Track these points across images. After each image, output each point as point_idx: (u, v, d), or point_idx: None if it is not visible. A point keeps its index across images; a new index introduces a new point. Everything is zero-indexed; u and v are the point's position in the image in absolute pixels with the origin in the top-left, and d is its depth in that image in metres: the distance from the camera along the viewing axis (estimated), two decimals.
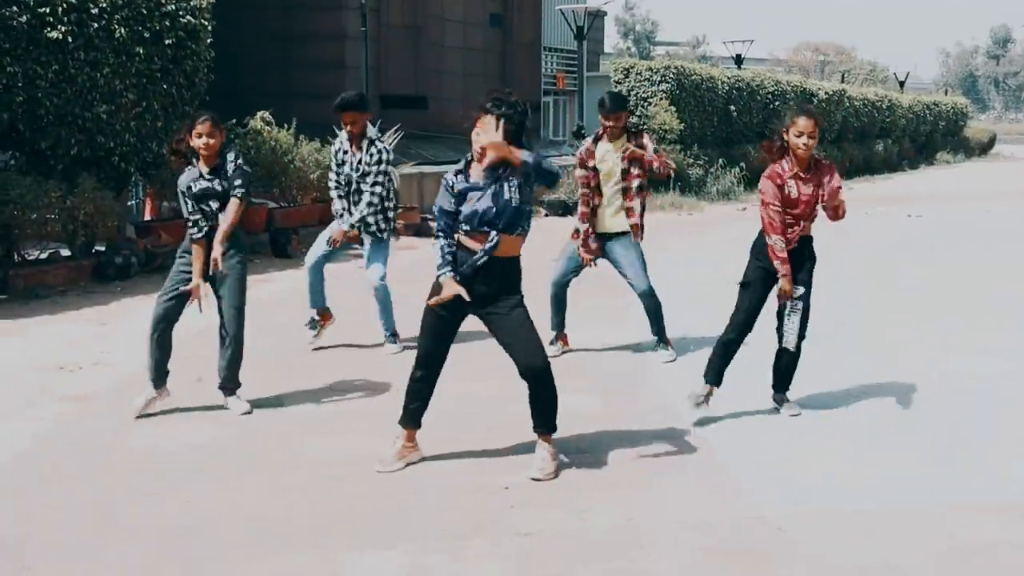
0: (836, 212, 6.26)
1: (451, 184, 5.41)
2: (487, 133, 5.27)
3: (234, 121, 13.53)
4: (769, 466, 5.66)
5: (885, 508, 5.06)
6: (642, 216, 7.90)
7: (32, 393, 6.99)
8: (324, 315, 8.43)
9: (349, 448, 5.89)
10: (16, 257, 10.67)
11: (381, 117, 19.23)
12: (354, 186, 8.10)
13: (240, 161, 6.53)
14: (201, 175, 6.42)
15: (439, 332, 5.53)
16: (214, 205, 6.41)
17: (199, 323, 7.04)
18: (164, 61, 11.95)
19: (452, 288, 5.29)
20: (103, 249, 11.43)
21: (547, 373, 5.43)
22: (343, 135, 8.22)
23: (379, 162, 8.02)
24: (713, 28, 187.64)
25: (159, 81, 11.93)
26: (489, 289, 5.39)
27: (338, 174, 8.25)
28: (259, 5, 23.38)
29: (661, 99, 22.64)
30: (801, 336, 6.38)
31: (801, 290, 6.29)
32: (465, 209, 5.34)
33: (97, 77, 11.14)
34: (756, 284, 6.38)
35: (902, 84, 47.22)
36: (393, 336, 8.29)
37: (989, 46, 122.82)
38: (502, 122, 5.27)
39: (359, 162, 8.04)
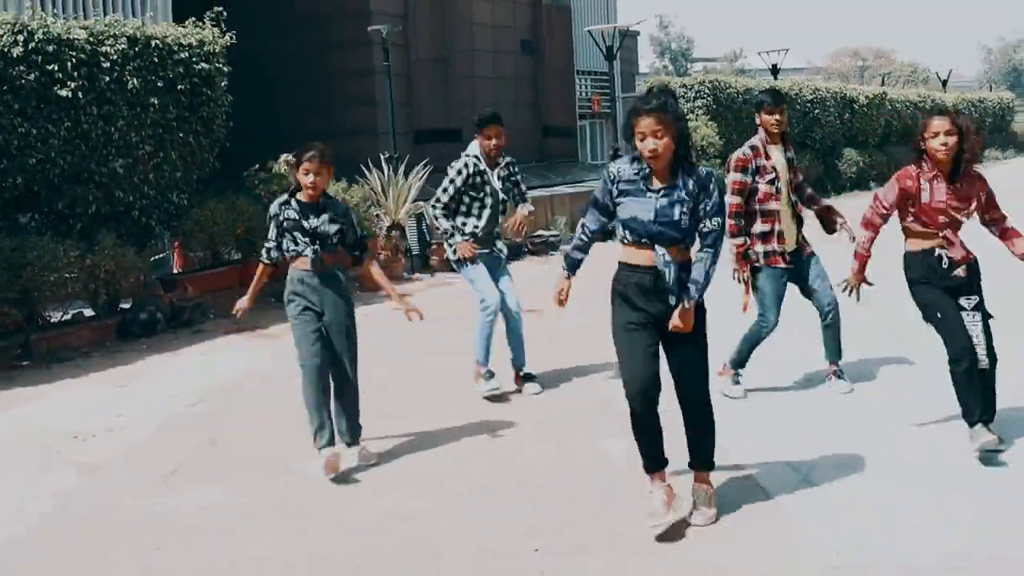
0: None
1: (613, 175, 4.94)
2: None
3: (257, 167, 13.25)
4: (839, 517, 5.07)
5: (973, 560, 4.51)
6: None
7: (41, 464, 6.63)
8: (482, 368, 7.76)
9: (370, 514, 5.46)
10: (38, 321, 10.38)
11: (414, 151, 18.97)
12: (489, 201, 7.69)
13: (351, 211, 6.38)
14: (292, 205, 6.16)
15: (646, 357, 4.89)
16: (298, 239, 6.10)
17: (217, 379, 6.70)
18: (180, 109, 11.67)
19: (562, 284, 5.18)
20: (127, 307, 11.13)
21: (705, 407, 5.05)
22: (472, 158, 7.68)
23: (518, 171, 7.95)
24: (750, 41, 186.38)
25: (175, 130, 11.65)
26: (672, 299, 4.86)
27: (476, 195, 7.66)
28: (285, 45, 23.27)
29: (700, 115, 22.16)
30: (992, 352, 5.71)
31: (975, 299, 5.73)
32: (625, 211, 4.89)
33: (111, 131, 10.88)
34: (939, 303, 5.75)
35: (944, 83, 46.27)
36: (528, 374, 7.79)
37: None
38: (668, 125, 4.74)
39: (507, 177, 7.82)
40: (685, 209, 4.80)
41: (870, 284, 6.05)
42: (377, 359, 8.67)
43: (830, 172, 27.15)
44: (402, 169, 15.49)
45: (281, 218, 6.18)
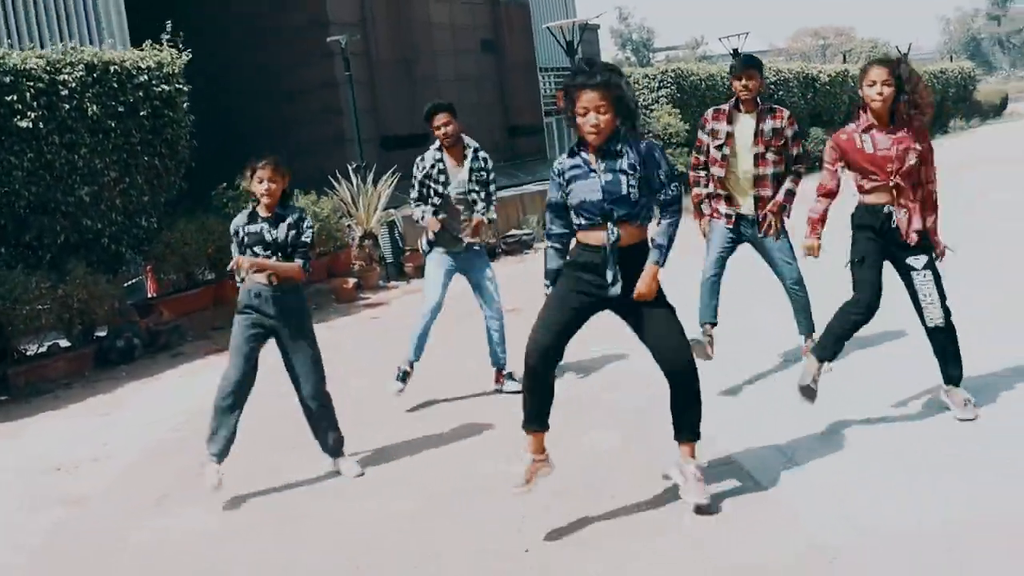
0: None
1: (558, 171, 4.92)
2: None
3: (225, 185, 13.18)
4: (823, 493, 5.11)
5: (963, 522, 4.53)
6: (781, 207, 7.17)
7: (27, 500, 6.56)
8: (409, 370, 7.70)
9: (363, 517, 5.43)
10: (14, 354, 10.28)
11: (382, 159, 18.90)
12: (452, 194, 7.61)
13: (304, 215, 6.13)
14: (253, 219, 6.05)
15: (564, 321, 4.90)
16: (259, 252, 5.99)
17: (199, 401, 6.67)
18: (143, 133, 11.57)
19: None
20: (103, 335, 11.04)
21: (691, 374, 4.94)
22: (432, 151, 7.66)
23: (492, 169, 7.79)
24: (710, 28, 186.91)
25: (140, 154, 11.56)
26: (626, 283, 4.84)
27: (434, 192, 7.61)
28: (246, 61, 23.16)
29: (664, 104, 22.19)
30: (945, 308, 5.76)
31: (924, 258, 5.75)
32: (575, 197, 4.84)
33: (75, 159, 10.78)
34: (869, 254, 5.80)
35: (905, 56, 46.55)
36: (509, 373, 7.67)
37: (989, 7, 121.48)
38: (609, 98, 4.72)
39: (472, 171, 7.64)
40: (632, 181, 4.76)
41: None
42: (356, 369, 8.67)
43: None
44: (371, 178, 15.45)
45: (242, 234, 6.06)
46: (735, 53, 31.68)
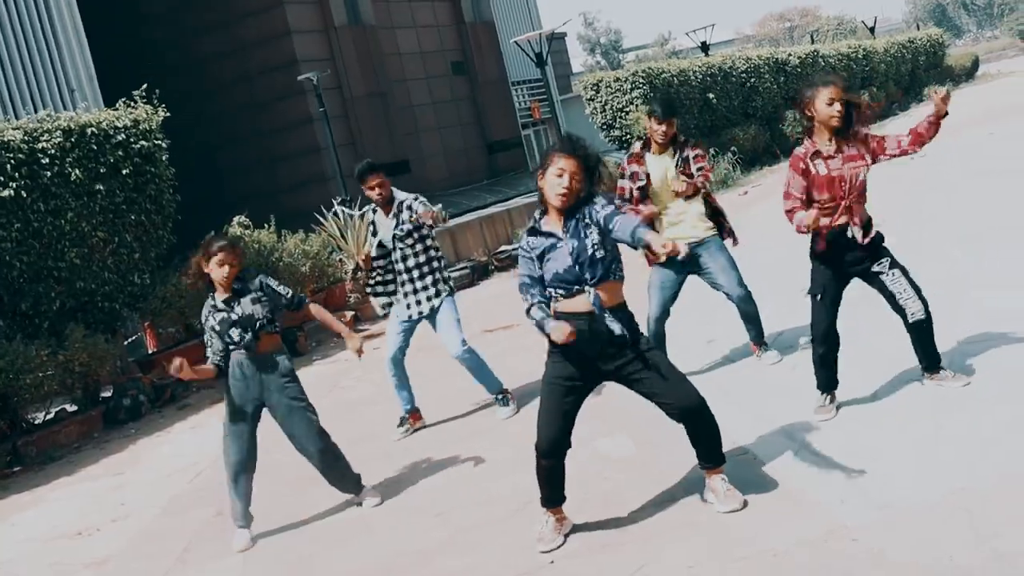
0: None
1: (529, 248, 4.93)
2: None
3: (212, 233, 13.20)
4: (836, 472, 5.15)
5: (979, 487, 4.56)
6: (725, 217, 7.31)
7: (53, 566, 6.60)
8: (414, 415, 7.82)
9: (382, 552, 5.47)
10: (22, 424, 10.33)
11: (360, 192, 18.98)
12: (398, 253, 7.55)
13: (264, 279, 6.07)
14: (215, 307, 5.96)
15: (565, 406, 4.96)
16: (235, 334, 5.93)
17: (211, 450, 6.72)
18: (127, 191, 11.65)
19: (563, 329, 4.67)
20: (109, 395, 11.09)
21: (704, 409, 4.97)
22: (368, 209, 7.71)
23: (416, 204, 7.52)
24: (677, 22, 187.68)
25: (126, 213, 11.63)
26: (612, 347, 4.87)
27: (380, 247, 7.60)
28: (218, 107, 23.25)
29: (638, 104, 22.29)
30: (923, 299, 5.79)
31: (886, 260, 5.79)
32: (548, 271, 4.86)
33: (62, 224, 10.85)
34: (829, 288, 5.84)
35: (872, 30, 46.74)
36: (503, 396, 7.66)
37: None
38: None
39: (395, 226, 7.50)
40: (596, 239, 4.80)
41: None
42: (364, 400, 8.72)
43: (776, 137, 27.33)
44: (357, 210, 15.50)
45: (214, 323, 5.97)
46: (704, 46, 31.88)
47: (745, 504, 4.98)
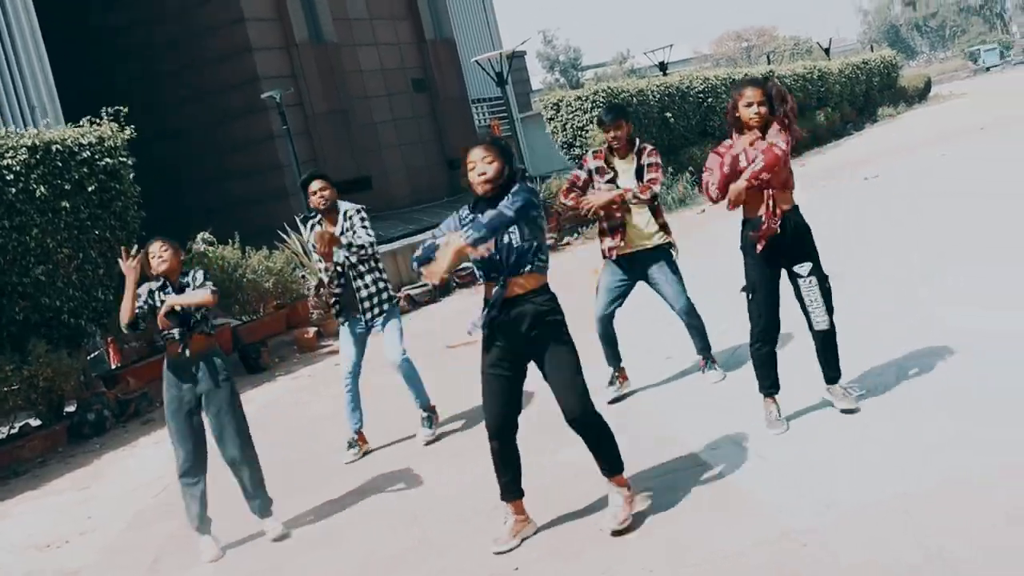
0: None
1: (460, 217, 5.20)
2: (442, 252, 4.86)
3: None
4: (787, 475, 5.40)
5: (921, 491, 4.80)
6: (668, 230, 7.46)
7: None
8: (361, 436, 7.88)
9: (355, 561, 5.62)
10: None
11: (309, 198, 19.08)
12: (345, 264, 7.60)
13: (202, 272, 6.24)
14: (157, 289, 6.16)
15: (500, 393, 5.20)
16: (173, 320, 6.12)
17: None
18: (91, 208, 11.72)
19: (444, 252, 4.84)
20: (73, 410, 11.14)
21: (587, 417, 5.15)
22: (314, 220, 7.75)
23: (358, 218, 7.57)
24: (635, 41, 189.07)
25: (91, 229, 11.69)
26: (527, 329, 5.08)
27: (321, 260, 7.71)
28: (180, 123, 23.26)
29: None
30: (829, 311, 6.05)
31: (808, 265, 6.01)
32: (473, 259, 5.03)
33: (27, 240, 10.90)
34: (761, 283, 6.05)
35: (827, 51, 47.46)
36: (429, 416, 7.79)
37: None
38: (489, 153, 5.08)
39: (340, 234, 7.53)
40: (513, 228, 5.00)
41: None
42: (325, 416, 8.83)
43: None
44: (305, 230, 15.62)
45: (148, 301, 6.15)
46: (662, 66, 32.25)
47: (630, 526, 5.14)
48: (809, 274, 6.02)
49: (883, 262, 10.38)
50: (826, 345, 6.18)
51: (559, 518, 5.49)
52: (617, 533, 5.09)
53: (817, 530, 4.64)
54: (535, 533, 5.38)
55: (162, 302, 6.12)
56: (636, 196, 7.18)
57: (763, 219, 5.92)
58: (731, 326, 8.08)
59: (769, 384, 6.22)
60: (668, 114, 25.60)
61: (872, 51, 57.14)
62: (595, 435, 5.22)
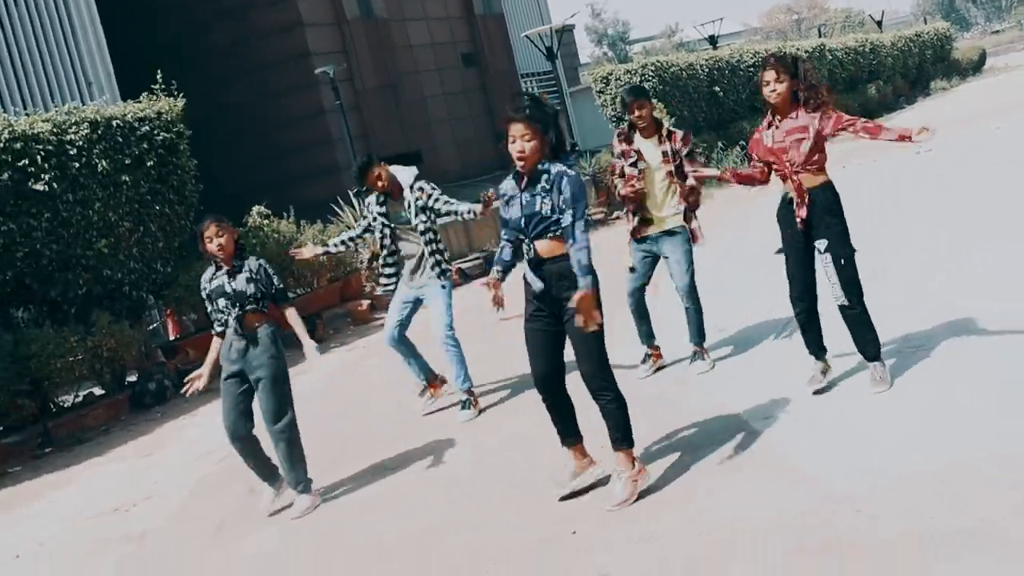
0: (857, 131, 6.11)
1: (501, 191, 5.50)
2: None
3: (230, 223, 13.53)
4: (829, 443, 5.51)
5: (961, 461, 4.88)
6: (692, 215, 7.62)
7: (91, 541, 6.93)
8: (433, 384, 8.22)
9: (408, 527, 5.79)
10: (52, 407, 10.68)
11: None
12: (398, 240, 7.94)
13: (264, 264, 6.57)
14: (215, 273, 6.49)
15: (541, 348, 5.45)
16: (222, 304, 6.43)
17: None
18: (151, 183, 11.99)
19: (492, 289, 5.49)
20: (134, 379, 11.43)
21: (603, 387, 5.36)
22: (372, 198, 8.07)
23: (427, 198, 7.85)
24: (684, 13, 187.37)
25: (151, 203, 11.97)
26: (556, 293, 5.32)
27: (382, 236, 8.02)
28: (232, 99, 23.52)
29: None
30: (849, 290, 6.16)
31: (824, 242, 6.15)
32: (503, 214, 5.43)
33: (90, 214, 11.19)
34: (790, 252, 6.31)
35: (879, 23, 46.93)
36: (469, 398, 7.88)
37: None
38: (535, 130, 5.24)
39: (403, 210, 7.89)
40: (547, 200, 5.25)
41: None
42: (389, 384, 9.01)
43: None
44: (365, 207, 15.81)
45: (209, 289, 6.51)
46: (712, 39, 32.10)
47: (636, 498, 5.32)
48: (825, 251, 6.17)
49: (919, 233, 10.37)
50: (849, 322, 6.30)
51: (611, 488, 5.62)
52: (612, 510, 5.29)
53: (858, 498, 4.73)
54: (595, 485, 5.56)
55: (214, 290, 6.46)
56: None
57: (788, 196, 6.26)
58: (730, 324, 8.20)
59: (813, 348, 6.43)
60: (717, 88, 25.52)
61: (925, 23, 56.37)
62: (610, 405, 5.41)
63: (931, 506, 4.51)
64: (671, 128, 7.66)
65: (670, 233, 7.58)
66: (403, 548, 5.53)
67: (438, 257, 7.94)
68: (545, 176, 5.26)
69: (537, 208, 5.26)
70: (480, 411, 7.86)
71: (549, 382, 5.50)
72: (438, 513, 5.93)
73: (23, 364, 10.06)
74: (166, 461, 8.76)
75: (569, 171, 5.28)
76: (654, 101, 21.86)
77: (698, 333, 7.71)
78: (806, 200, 6.14)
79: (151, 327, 13.46)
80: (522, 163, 5.27)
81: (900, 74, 39.83)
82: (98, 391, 11.31)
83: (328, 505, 6.54)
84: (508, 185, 5.45)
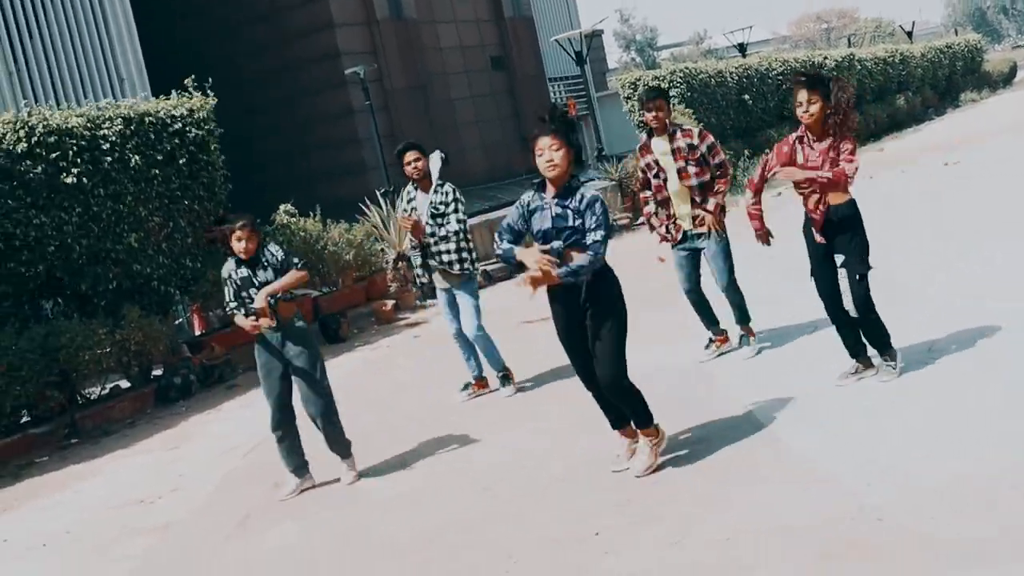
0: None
1: (524, 202, 5.66)
2: (526, 256, 5.48)
3: (259, 220, 13.62)
4: (852, 448, 5.52)
5: (996, 468, 4.87)
6: (719, 211, 7.77)
7: (116, 531, 7.00)
8: (479, 382, 8.51)
9: (434, 522, 5.84)
10: (79, 399, 10.78)
11: (405, 182, 19.36)
12: (428, 230, 8.10)
13: (271, 248, 6.78)
14: (239, 264, 6.67)
15: (578, 349, 5.72)
16: (253, 293, 6.61)
17: (263, 427, 7.12)
18: (182, 179, 12.10)
19: (530, 255, 5.48)
20: (160, 373, 11.53)
21: (619, 388, 5.67)
22: (409, 186, 8.31)
23: (454, 200, 8.10)
24: (713, 21, 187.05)
25: (181, 199, 12.09)
26: (583, 298, 5.58)
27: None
28: (262, 97, 23.66)
29: (676, 104, 22.55)
30: (860, 302, 6.36)
31: (842, 257, 6.38)
32: (534, 226, 5.63)
33: (121, 209, 11.31)
34: (814, 264, 6.55)
35: (910, 34, 46.72)
36: (505, 376, 8.30)
37: None
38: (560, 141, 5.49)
39: (431, 204, 8.10)
40: (579, 218, 5.50)
41: (771, 236, 6.91)
42: (408, 383, 9.06)
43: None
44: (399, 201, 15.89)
45: (235, 278, 6.69)
46: (741, 47, 32.04)
47: (651, 469, 5.72)
48: (842, 265, 6.41)
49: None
50: (864, 329, 6.54)
51: (637, 487, 5.65)
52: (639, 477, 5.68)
53: (881, 506, 4.74)
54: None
55: (242, 280, 6.64)
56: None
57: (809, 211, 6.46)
58: (757, 325, 8.28)
59: (849, 349, 6.65)
60: (746, 96, 25.49)
61: (956, 35, 56.07)
62: (627, 402, 5.77)
63: (954, 514, 4.51)
64: (680, 125, 7.79)
65: (700, 234, 7.78)
66: (422, 544, 5.56)
67: (463, 255, 8.13)
68: (580, 195, 5.52)
69: (569, 223, 5.51)
70: (518, 388, 8.23)
71: (589, 378, 5.78)
72: (460, 510, 5.95)
73: (52, 356, 10.18)
74: (192, 455, 8.83)
75: (601, 197, 5.56)
76: (682, 106, 21.94)
77: (742, 315, 7.94)
78: (825, 217, 6.38)
79: (177, 322, 13.56)
80: (553, 171, 5.51)
81: (930, 85, 39.64)
82: (124, 384, 11.41)
83: (350, 501, 6.59)
84: (533, 197, 5.66)
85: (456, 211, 8.10)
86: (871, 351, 6.65)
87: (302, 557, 5.84)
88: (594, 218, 5.46)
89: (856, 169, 6.25)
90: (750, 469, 5.58)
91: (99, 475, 8.76)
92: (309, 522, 6.39)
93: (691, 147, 7.65)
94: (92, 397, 10.95)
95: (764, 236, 6.86)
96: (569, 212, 5.50)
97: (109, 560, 6.46)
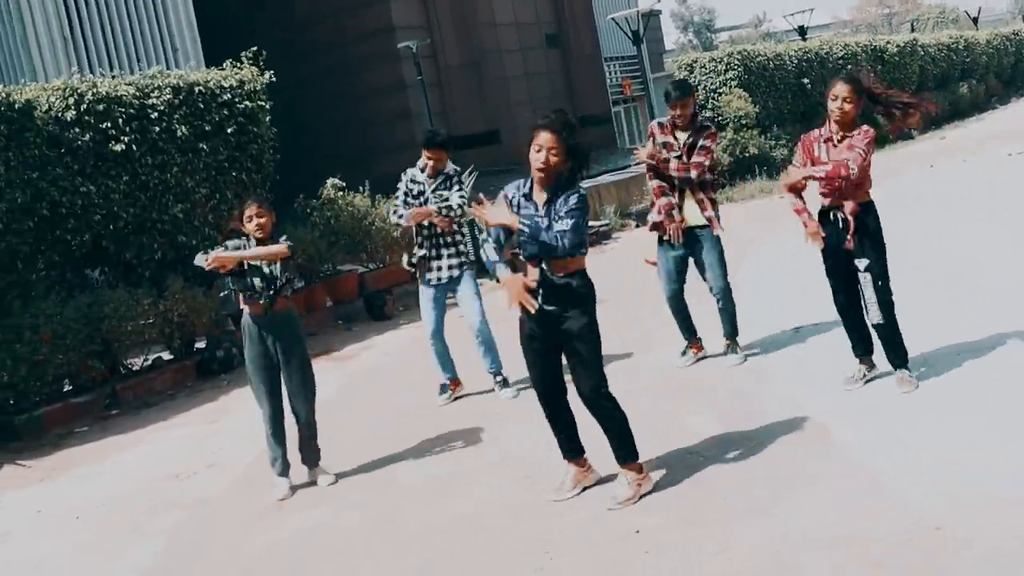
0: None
1: (512, 199, 5.31)
2: (492, 213, 5.17)
3: (302, 196, 13.55)
4: (911, 457, 5.27)
5: None
6: (715, 208, 7.57)
7: (149, 505, 6.93)
8: (455, 382, 8.26)
9: (470, 509, 5.68)
10: (121, 370, 10.74)
11: (455, 158, 19.20)
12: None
13: (285, 236, 6.59)
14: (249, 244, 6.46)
15: (540, 362, 5.40)
16: (257, 283, 6.43)
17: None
18: (229, 150, 11.98)
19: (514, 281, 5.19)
20: (203, 346, 11.47)
21: (596, 397, 5.33)
22: (415, 170, 8.02)
23: (459, 183, 7.91)
24: (773, 3, 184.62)
25: (228, 171, 11.97)
26: (557, 308, 5.24)
27: (407, 205, 7.98)
28: (314, 70, 23.59)
29: (732, 87, 22.16)
30: (883, 307, 6.21)
31: (865, 261, 6.17)
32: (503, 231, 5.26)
33: (168, 179, 11.22)
34: (829, 268, 6.42)
35: (975, 20, 45.75)
36: (503, 380, 8.05)
37: None
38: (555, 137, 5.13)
39: (433, 189, 7.88)
40: (564, 222, 5.11)
41: (823, 235, 6.44)
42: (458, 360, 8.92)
43: (872, 126, 27.00)
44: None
45: (247, 264, 6.44)
46: (801, 30, 31.49)
47: (629, 502, 5.32)
48: (865, 270, 6.20)
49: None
50: (883, 338, 6.35)
51: (681, 486, 5.45)
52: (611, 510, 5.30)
53: (938, 516, 4.52)
54: (595, 484, 5.60)
55: (256, 265, 6.41)
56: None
57: (832, 215, 6.29)
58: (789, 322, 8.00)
59: (855, 348, 6.54)
60: (805, 80, 25.02)
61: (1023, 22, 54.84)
62: (605, 416, 5.37)
63: (1012, 528, 4.27)
64: (709, 127, 7.59)
65: (698, 235, 7.55)
66: (458, 530, 5.42)
67: (463, 246, 8.01)
68: (564, 198, 5.15)
69: (554, 229, 5.14)
70: (519, 390, 7.90)
71: (548, 395, 5.47)
72: (495, 499, 5.80)
73: (96, 325, 10.13)
74: (231, 429, 8.74)
75: (584, 194, 5.22)
76: (739, 89, 21.55)
77: (731, 328, 7.76)
78: (841, 219, 6.24)
79: (221, 295, 13.48)
80: (541, 173, 5.17)
81: (994, 73, 38.78)
82: (166, 356, 11.36)
83: (385, 483, 6.46)
84: (516, 192, 5.32)
85: (460, 191, 7.90)
86: (876, 352, 6.51)
87: (330, 540, 5.72)
88: (566, 208, 5.11)
89: (860, 161, 5.97)
90: (802, 474, 5.34)
91: (137, 447, 8.71)
92: (342, 504, 6.27)
93: (704, 148, 7.48)
94: (134, 368, 10.90)
95: (815, 234, 6.40)
96: (545, 216, 5.16)
97: (140, 536, 6.38)
